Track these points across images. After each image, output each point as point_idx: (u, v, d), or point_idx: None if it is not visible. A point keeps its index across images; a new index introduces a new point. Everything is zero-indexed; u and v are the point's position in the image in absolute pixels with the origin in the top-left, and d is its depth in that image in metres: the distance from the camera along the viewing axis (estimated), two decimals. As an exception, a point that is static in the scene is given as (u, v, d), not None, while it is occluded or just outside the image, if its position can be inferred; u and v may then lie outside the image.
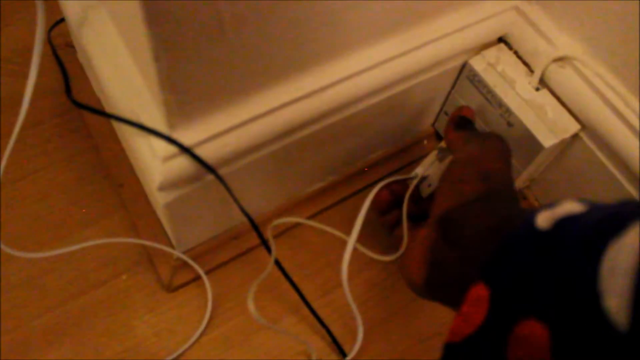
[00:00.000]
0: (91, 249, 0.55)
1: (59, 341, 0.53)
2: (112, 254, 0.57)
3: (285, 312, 0.56)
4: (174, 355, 0.53)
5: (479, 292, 0.30)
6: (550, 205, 0.30)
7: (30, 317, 0.53)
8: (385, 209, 0.51)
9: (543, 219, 0.29)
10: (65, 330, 0.53)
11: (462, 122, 0.48)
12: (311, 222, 0.54)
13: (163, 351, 0.53)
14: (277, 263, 0.52)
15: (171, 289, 0.55)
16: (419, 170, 0.52)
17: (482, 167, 0.41)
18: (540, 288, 0.27)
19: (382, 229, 0.52)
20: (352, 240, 0.48)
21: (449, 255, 0.37)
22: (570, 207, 0.29)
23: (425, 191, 0.52)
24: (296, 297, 0.55)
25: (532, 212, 0.30)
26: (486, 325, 0.29)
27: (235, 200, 0.46)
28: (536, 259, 0.28)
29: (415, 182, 0.51)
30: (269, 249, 0.50)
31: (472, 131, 0.48)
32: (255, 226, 0.49)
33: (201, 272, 0.55)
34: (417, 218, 0.49)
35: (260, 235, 0.49)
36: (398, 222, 0.50)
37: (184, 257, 0.54)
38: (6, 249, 0.45)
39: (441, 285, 0.39)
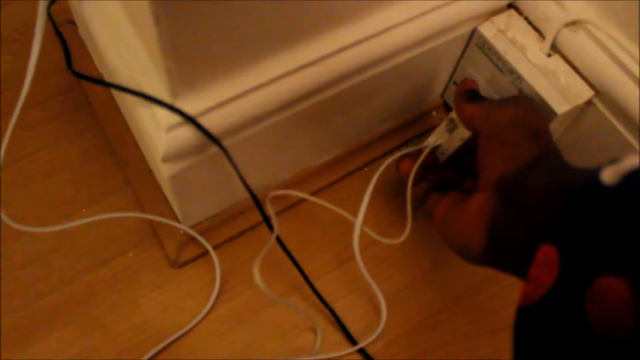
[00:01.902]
0: (97, 226, 0.54)
1: (66, 319, 0.52)
2: (118, 231, 0.56)
3: (292, 288, 0.56)
4: (182, 331, 0.52)
5: (548, 253, 0.29)
6: (613, 160, 0.29)
7: (37, 295, 0.53)
8: (413, 180, 0.51)
9: (609, 175, 0.28)
10: (72, 308, 0.53)
11: (473, 94, 0.47)
12: (313, 199, 0.53)
13: (171, 328, 0.53)
14: (278, 239, 0.51)
15: (178, 265, 0.55)
16: (431, 140, 0.51)
17: (531, 126, 0.40)
18: (615, 243, 0.26)
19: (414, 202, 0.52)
20: (359, 222, 0.48)
21: (514, 220, 0.36)
22: (635, 161, 0.28)
23: (441, 159, 0.51)
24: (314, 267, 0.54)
25: (596, 169, 0.29)
26: (559, 286, 0.28)
27: (237, 172, 0.45)
28: (607, 215, 0.27)
29: (426, 151, 0.51)
30: (270, 225, 0.49)
31: (490, 100, 0.46)
32: (257, 200, 0.48)
33: (209, 247, 0.54)
34: (441, 187, 0.49)
35: (261, 210, 0.48)
36: (428, 193, 0.50)
37: (191, 232, 0.53)
38: (11, 223, 0.45)
39: (505, 251, 0.38)
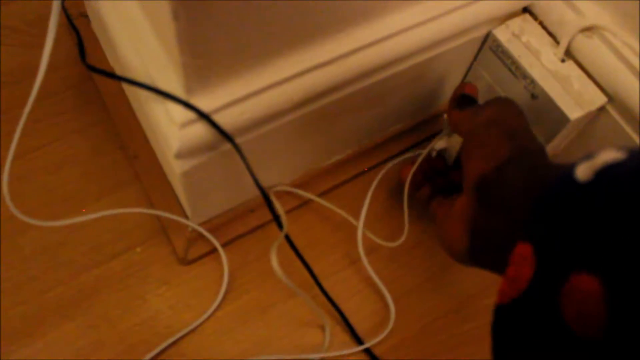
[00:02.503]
0: (105, 221, 0.54)
1: (73, 313, 0.52)
2: (127, 226, 0.56)
3: (300, 287, 0.55)
4: (189, 328, 0.52)
5: (523, 251, 0.29)
6: (588, 156, 0.28)
7: (44, 289, 0.53)
8: (417, 184, 0.52)
9: (582, 171, 0.28)
10: (79, 302, 0.53)
11: (465, 100, 0.47)
12: (319, 200, 0.53)
13: (178, 324, 0.52)
14: (288, 238, 0.51)
15: (186, 261, 0.55)
16: (432, 144, 0.52)
17: (505, 126, 0.40)
18: (588, 240, 0.26)
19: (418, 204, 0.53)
20: (360, 225, 0.49)
21: (490, 220, 0.37)
22: (610, 155, 0.27)
23: (449, 162, 0.52)
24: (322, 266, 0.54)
25: (570, 165, 0.29)
26: (534, 283, 0.28)
27: (249, 169, 0.45)
28: (580, 211, 0.27)
29: (422, 157, 0.52)
30: (279, 224, 0.49)
31: (477, 106, 0.46)
32: (267, 198, 0.47)
33: (217, 244, 0.54)
34: (450, 190, 0.49)
35: (271, 207, 0.48)
36: (432, 196, 0.50)
37: (200, 229, 0.53)
38: (21, 216, 0.45)
39: (485, 251, 0.38)
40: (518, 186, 0.35)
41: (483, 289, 0.57)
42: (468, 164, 0.41)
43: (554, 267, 0.27)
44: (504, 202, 0.36)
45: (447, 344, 0.55)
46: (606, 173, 0.27)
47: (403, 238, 0.53)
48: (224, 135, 0.42)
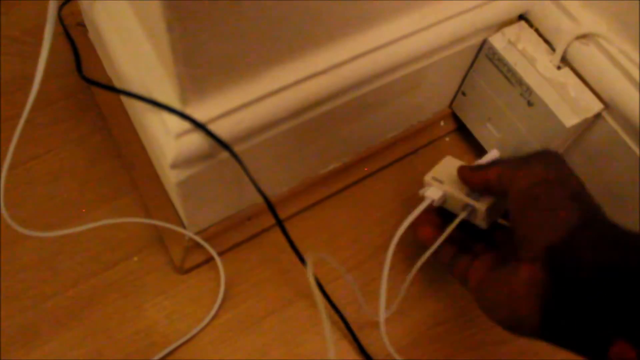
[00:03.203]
0: (102, 231, 0.54)
1: (70, 323, 0.52)
2: (124, 235, 0.56)
3: (298, 295, 0.55)
4: (186, 337, 0.52)
5: (625, 353, 0.27)
6: None
7: (41, 298, 0.53)
8: (433, 242, 0.47)
9: None
10: (76, 312, 0.53)
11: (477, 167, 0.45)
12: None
13: (175, 334, 0.52)
14: (291, 244, 0.50)
15: (183, 271, 0.55)
16: (430, 193, 0.47)
17: (568, 187, 0.37)
18: None
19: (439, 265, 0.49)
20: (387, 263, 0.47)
21: (572, 298, 0.34)
22: None
23: (483, 224, 0.47)
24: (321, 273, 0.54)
25: None
26: None
27: (250, 178, 0.45)
28: None
29: (452, 225, 0.46)
30: (285, 231, 0.49)
31: (516, 160, 0.42)
32: (270, 205, 0.47)
33: (214, 253, 0.54)
34: (471, 240, 0.46)
35: (275, 215, 0.48)
36: (456, 256, 0.46)
37: (196, 238, 0.53)
38: (17, 227, 0.45)
39: (565, 332, 0.34)
40: (601, 263, 0.32)
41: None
42: (529, 230, 0.37)
43: None
44: (586, 282, 0.33)
45: (445, 351, 0.55)
46: None
47: (391, 310, 0.51)
48: (222, 144, 0.42)
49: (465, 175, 0.45)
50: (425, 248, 0.47)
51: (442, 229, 0.47)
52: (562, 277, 0.34)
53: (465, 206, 0.46)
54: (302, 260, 0.51)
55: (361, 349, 0.53)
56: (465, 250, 0.46)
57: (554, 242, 0.35)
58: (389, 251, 0.47)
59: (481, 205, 0.45)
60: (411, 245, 0.55)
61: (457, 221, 0.46)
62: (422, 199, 0.48)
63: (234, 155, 0.43)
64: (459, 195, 0.46)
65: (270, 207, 0.47)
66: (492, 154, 0.49)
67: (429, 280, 0.57)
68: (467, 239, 0.48)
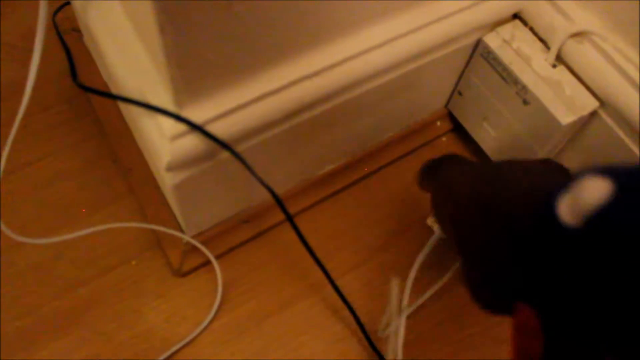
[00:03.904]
0: (100, 235, 0.54)
1: (69, 328, 0.52)
2: (121, 239, 0.56)
3: (296, 298, 0.55)
4: (185, 341, 0.52)
5: (529, 318, 0.28)
6: (563, 185, 0.25)
7: (40, 303, 0.53)
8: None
9: (567, 212, 0.25)
10: (75, 316, 0.53)
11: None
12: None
13: (174, 337, 0.52)
14: (302, 239, 0.50)
15: (181, 274, 0.55)
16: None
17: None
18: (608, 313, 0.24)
19: None
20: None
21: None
22: (594, 193, 0.24)
23: None
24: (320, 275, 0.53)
25: (548, 198, 0.26)
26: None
27: (254, 173, 0.45)
28: (580, 271, 0.25)
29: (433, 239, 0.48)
30: (295, 226, 0.49)
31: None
32: (279, 201, 0.47)
33: (211, 256, 0.54)
34: None
35: (283, 208, 0.48)
36: None
37: (194, 242, 0.53)
38: (14, 236, 0.45)
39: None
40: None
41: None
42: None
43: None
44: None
45: (447, 349, 0.55)
46: (599, 222, 0.24)
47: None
48: (221, 144, 0.42)
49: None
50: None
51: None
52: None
53: None
54: (314, 257, 0.51)
55: (373, 349, 0.53)
56: None
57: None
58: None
59: None
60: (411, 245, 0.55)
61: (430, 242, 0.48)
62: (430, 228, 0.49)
63: (235, 154, 0.43)
64: None
65: (279, 201, 0.47)
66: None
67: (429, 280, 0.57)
68: None
